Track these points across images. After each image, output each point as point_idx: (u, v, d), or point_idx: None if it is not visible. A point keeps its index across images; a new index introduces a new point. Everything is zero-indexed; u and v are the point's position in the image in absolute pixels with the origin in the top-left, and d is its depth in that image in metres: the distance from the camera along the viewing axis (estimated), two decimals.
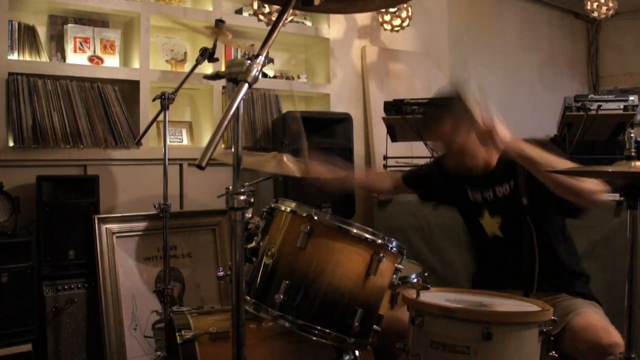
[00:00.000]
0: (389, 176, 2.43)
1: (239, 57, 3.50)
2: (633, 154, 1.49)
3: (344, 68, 3.96)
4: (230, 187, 1.19)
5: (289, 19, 3.44)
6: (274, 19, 1.20)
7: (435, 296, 1.67)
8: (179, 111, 3.46)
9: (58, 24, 3.02)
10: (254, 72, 1.13)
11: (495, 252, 2.08)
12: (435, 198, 2.34)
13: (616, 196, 2.78)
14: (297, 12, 3.55)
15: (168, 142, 2.64)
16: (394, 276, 1.76)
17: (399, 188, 2.40)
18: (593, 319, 1.79)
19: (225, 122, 1.07)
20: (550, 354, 1.54)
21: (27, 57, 2.87)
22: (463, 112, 1.92)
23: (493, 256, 2.11)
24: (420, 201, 2.38)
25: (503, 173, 1.97)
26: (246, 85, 1.12)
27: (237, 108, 1.12)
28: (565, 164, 1.74)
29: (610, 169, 1.52)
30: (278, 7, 3.17)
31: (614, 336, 1.68)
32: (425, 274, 2.25)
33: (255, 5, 3.32)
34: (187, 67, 3.36)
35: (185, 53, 3.43)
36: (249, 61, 1.13)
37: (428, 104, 2.03)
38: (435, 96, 2.11)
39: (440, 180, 2.19)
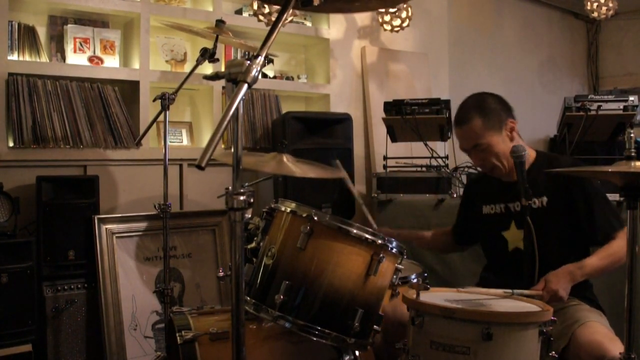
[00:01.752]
0: (446, 234, 2.49)
1: (239, 57, 3.50)
2: (633, 154, 1.49)
3: (344, 68, 3.96)
4: (230, 188, 1.19)
5: (289, 19, 3.45)
6: (273, 19, 1.20)
7: (435, 296, 1.67)
8: (179, 111, 3.46)
9: (58, 24, 3.02)
10: (254, 72, 1.13)
11: (514, 267, 2.04)
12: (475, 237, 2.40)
13: (616, 196, 2.78)
14: (297, 12, 3.55)
15: (168, 143, 2.64)
16: (394, 276, 1.77)
17: (454, 246, 2.48)
18: (598, 330, 1.78)
19: (225, 123, 1.07)
20: (551, 354, 1.54)
21: (27, 58, 2.87)
22: (496, 111, 2.05)
23: (510, 271, 2.08)
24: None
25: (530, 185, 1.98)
26: (245, 86, 1.12)
27: (237, 108, 1.12)
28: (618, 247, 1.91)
29: (610, 169, 1.53)
30: (278, 7, 3.17)
31: (618, 347, 1.67)
32: (425, 274, 2.25)
33: (255, 6, 3.32)
34: (187, 68, 3.36)
35: (185, 53, 3.43)
36: (248, 61, 1.13)
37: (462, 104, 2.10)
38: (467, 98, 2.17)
39: (479, 216, 2.24)
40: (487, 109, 2.06)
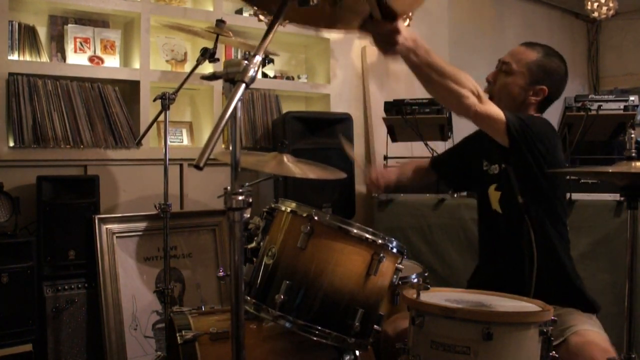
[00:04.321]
0: (411, 166, 2.41)
1: (239, 57, 3.50)
2: (633, 154, 1.49)
3: (344, 68, 3.96)
4: (229, 188, 1.19)
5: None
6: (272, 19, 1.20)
7: (435, 296, 1.67)
8: (179, 111, 3.46)
9: (58, 24, 3.02)
10: (251, 72, 1.12)
11: (495, 230, 2.04)
12: (464, 183, 2.37)
13: (616, 196, 2.78)
14: None
15: (168, 142, 2.64)
16: (395, 276, 1.76)
17: (422, 173, 2.39)
18: (591, 337, 1.76)
19: (223, 123, 1.07)
20: (551, 354, 1.54)
21: (28, 57, 2.87)
22: (548, 69, 2.00)
23: (494, 235, 2.08)
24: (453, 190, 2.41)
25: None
26: (243, 86, 1.11)
27: (235, 108, 1.12)
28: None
29: (610, 169, 1.52)
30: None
31: (609, 356, 1.66)
32: (425, 274, 2.25)
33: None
34: (187, 68, 3.36)
35: (186, 53, 3.43)
36: (245, 61, 1.13)
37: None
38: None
39: (464, 158, 2.21)
40: (551, 61, 2.03)
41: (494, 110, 1.80)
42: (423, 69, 1.73)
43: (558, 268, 1.95)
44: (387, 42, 1.62)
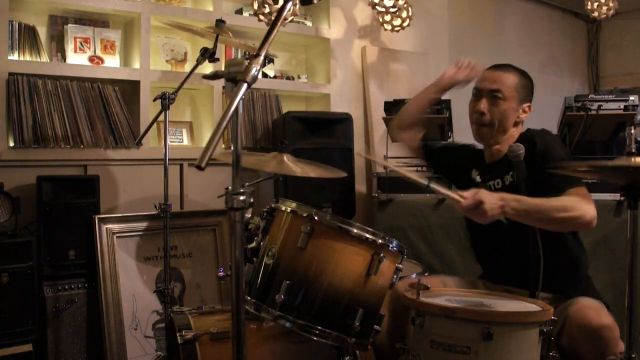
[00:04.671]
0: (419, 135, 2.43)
1: (239, 57, 3.50)
2: (633, 150, 1.49)
3: (344, 68, 3.96)
4: (230, 187, 1.19)
5: (289, 18, 3.45)
6: (274, 18, 1.20)
7: (435, 296, 1.67)
8: (180, 111, 3.46)
9: (58, 24, 3.02)
10: (253, 71, 1.12)
11: (492, 237, 2.06)
12: (442, 171, 2.38)
13: (616, 196, 2.78)
14: (297, 12, 3.55)
15: (168, 142, 2.64)
16: (395, 276, 1.77)
17: (415, 145, 2.41)
18: (586, 303, 1.79)
19: (225, 122, 1.07)
20: (551, 354, 1.54)
21: (28, 57, 2.87)
22: (528, 87, 2.08)
23: (488, 242, 2.11)
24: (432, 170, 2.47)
25: (510, 164, 1.95)
26: (245, 85, 1.11)
27: (237, 108, 1.12)
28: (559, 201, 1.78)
29: (610, 163, 1.53)
30: (278, 7, 3.17)
31: (604, 318, 1.69)
32: (426, 274, 2.25)
33: (256, 6, 3.32)
34: (187, 67, 3.36)
35: (186, 53, 3.43)
36: (247, 61, 1.13)
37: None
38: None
39: (449, 162, 2.26)
40: (527, 79, 2.10)
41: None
42: (526, 217, 1.78)
43: (569, 262, 1.99)
44: (479, 215, 1.72)
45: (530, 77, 2.13)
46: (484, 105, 2.05)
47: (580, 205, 1.76)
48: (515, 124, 2.07)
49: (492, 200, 1.71)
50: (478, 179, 2.14)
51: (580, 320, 1.71)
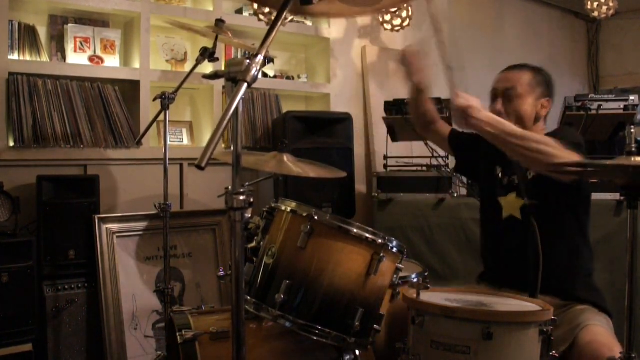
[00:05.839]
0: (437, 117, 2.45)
1: (239, 57, 3.50)
2: (634, 149, 1.49)
3: (344, 68, 3.96)
4: (230, 187, 1.19)
5: (289, 18, 3.45)
6: (273, 18, 1.19)
7: (435, 296, 1.67)
8: (180, 111, 3.46)
9: (58, 24, 3.02)
10: (253, 71, 1.12)
11: (505, 236, 2.08)
12: (468, 168, 2.39)
13: (616, 196, 2.78)
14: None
15: (168, 142, 2.64)
16: (395, 276, 1.76)
17: (444, 142, 2.41)
18: (599, 334, 1.77)
19: (225, 122, 1.07)
20: (551, 354, 1.54)
21: (28, 57, 2.87)
22: (544, 82, 2.09)
23: (501, 240, 2.11)
24: (455, 169, 2.49)
25: None
26: (245, 85, 1.11)
27: (237, 108, 1.12)
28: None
29: (609, 162, 1.53)
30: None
31: (615, 351, 1.66)
32: (425, 274, 2.25)
33: (256, 5, 3.32)
34: (187, 67, 3.36)
35: (186, 53, 3.43)
36: (247, 60, 1.13)
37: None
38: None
39: (478, 151, 2.25)
40: (543, 75, 2.11)
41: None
42: (500, 137, 1.82)
43: (578, 265, 2.01)
44: (461, 118, 1.80)
45: (546, 73, 2.13)
46: (500, 105, 2.08)
47: (562, 152, 1.74)
48: (537, 120, 2.09)
49: (479, 109, 1.80)
50: (501, 175, 2.15)
51: (591, 354, 1.69)
